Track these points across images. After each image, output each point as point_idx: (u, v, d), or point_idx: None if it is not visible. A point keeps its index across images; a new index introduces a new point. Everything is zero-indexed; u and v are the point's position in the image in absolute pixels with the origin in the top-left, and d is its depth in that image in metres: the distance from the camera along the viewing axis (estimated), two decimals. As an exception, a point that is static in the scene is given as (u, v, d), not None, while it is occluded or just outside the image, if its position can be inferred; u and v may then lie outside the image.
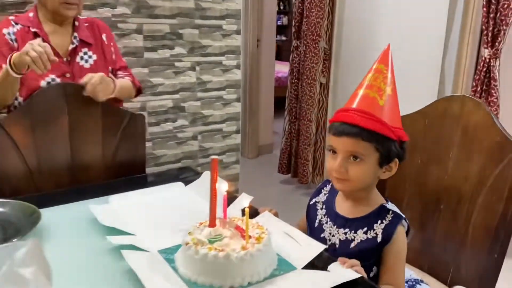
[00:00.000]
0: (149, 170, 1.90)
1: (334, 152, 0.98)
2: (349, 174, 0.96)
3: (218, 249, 0.81)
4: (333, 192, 1.10)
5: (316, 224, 1.09)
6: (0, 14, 1.67)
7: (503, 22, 2.09)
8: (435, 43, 2.38)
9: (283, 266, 0.87)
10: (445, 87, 2.40)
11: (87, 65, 1.51)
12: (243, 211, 1.03)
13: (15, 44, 1.41)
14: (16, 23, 1.44)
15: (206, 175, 1.29)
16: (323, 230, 1.06)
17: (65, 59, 1.47)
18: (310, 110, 3.10)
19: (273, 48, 4.07)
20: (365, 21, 2.76)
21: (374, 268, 1.00)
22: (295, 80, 3.24)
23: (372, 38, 2.70)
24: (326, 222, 1.06)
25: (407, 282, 1.13)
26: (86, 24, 1.56)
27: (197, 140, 2.34)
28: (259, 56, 3.88)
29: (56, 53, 1.40)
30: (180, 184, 1.32)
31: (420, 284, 1.14)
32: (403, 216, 1.00)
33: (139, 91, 1.67)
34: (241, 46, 2.42)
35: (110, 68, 1.58)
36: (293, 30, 3.19)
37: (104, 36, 1.58)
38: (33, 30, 1.43)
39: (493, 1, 2.09)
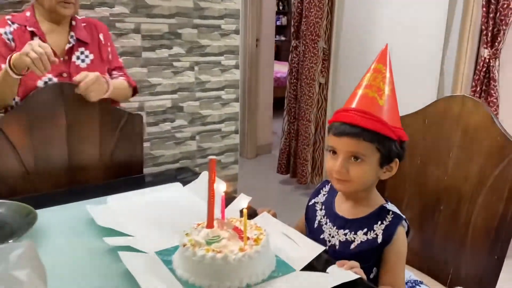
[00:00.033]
0: (147, 170, 1.89)
1: (334, 152, 0.98)
2: (350, 174, 0.95)
3: (215, 250, 0.80)
4: (332, 193, 1.09)
5: (316, 225, 1.08)
6: (-3, 13, 1.66)
7: (503, 22, 2.08)
8: (434, 43, 2.37)
9: (282, 268, 0.87)
10: (444, 87, 2.40)
11: (83, 65, 1.50)
12: (241, 212, 1.02)
13: (12, 44, 1.40)
14: (13, 23, 1.43)
15: (204, 176, 1.28)
16: (323, 231, 1.05)
17: (61, 59, 1.46)
18: (309, 110, 3.10)
19: (272, 48, 4.07)
20: (364, 21, 2.75)
21: (374, 270, 0.99)
22: (294, 80, 3.23)
23: (371, 38, 2.69)
24: (326, 223, 1.05)
25: (406, 283, 1.12)
26: (84, 24, 1.55)
27: (196, 140, 2.33)
28: (258, 56, 3.87)
29: (54, 52, 1.39)
30: (178, 184, 1.31)
31: (419, 286, 1.14)
32: (403, 216, 0.99)
33: (135, 91, 1.65)
34: (240, 46, 2.42)
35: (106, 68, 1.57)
36: (292, 30, 3.18)
37: (101, 36, 1.57)
38: (30, 29, 1.42)
39: (492, 1, 2.09)
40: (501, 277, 1.09)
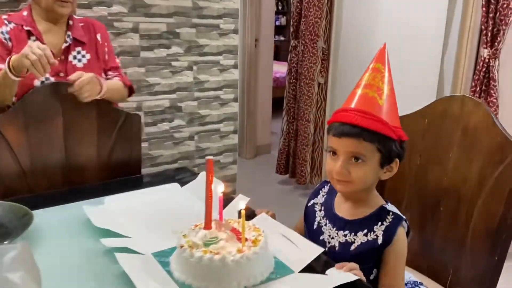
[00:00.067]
0: (145, 170, 1.88)
1: (334, 153, 0.97)
2: (351, 175, 0.95)
3: (213, 252, 0.79)
4: (331, 193, 1.08)
5: (315, 227, 1.07)
6: (-6, 12, 1.65)
7: (503, 22, 2.08)
8: (434, 43, 2.37)
9: (280, 270, 0.86)
10: (444, 87, 2.39)
11: (80, 64, 1.49)
12: (239, 212, 1.01)
13: (9, 44, 1.40)
14: (9, 22, 1.42)
15: (203, 176, 1.27)
16: (322, 233, 1.04)
17: (58, 58, 1.45)
18: (308, 110, 3.09)
19: (271, 48, 4.07)
20: (364, 21, 2.75)
21: (374, 271, 0.99)
22: (293, 80, 3.23)
23: (371, 38, 2.69)
24: (325, 224, 1.04)
25: (406, 284, 1.12)
26: (82, 24, 1.54)
27: (194, 140, 2.32)
28: (257, 56, 3.86)
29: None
30: (176, 185, 1.30)
31: (419, 287, 1.13)
32: (404, 217, 0.99)
33: (131, 91, 1.64)
34: (239, 46, 2.41)
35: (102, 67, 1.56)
36: (291, 29, 3.17)
37: (98, 36, 1.56)
38: (26, 28, 1.42)
39: (492, 0, 2.08)
40: (501, 278, 1.08)
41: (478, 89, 2.20)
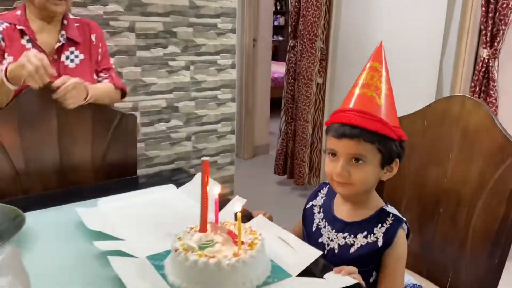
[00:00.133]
0: (141, 171, 1.86)
1: (333, 155, 0.95)
2: (352, 177, 0.93)
3: (208, 255, 0.78)
4: (330, 195, 1.07)
5: (314, 229, 1.05)
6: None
7: (502, 22, 2.07)
8: (433, 43, 2.36)
9: (277, 274, 0.84)
10: (443, 87, 2.38)
11: (72, 65, 1.47)
12: (236, 215, 0.99)
13: (2, 43, 1.38)
14: (2, 22, 1.40)
15: (199, 177, 1.25)
16: (321, 235, 1.02)
17: (51, 58, 1.43)
18: (306, 110, 3.08)
19: (270, 48, 4.06)
20: (363, 21, 2.73)
21: (374, 274, 0.97)
22: (292, 80, 3.21)
23: (370, 38, 2.67)
24: (324, 227, 1.03)
25: (405, 287, 1.10)
26: (77, 24, 1.52)
27: (191, 140, 2.30)
28: (255, 56, 3.85)
29: (43, 51, 1.36)
30: (171, 186, 1.28)
31: (419, 290, 1.11)
32: (404, 219, 0.97)
33: (123, 93, 1.61)
34: (236, 46, 2.39)
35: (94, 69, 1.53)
36: (290, 29, 3.16)
37: (93, 37, 1.54)
38: (19, 27, 1.39)
39: (492, 0, 2.07)
40: (502, 280, 1.07)
41: (477, 89, 2.19)
